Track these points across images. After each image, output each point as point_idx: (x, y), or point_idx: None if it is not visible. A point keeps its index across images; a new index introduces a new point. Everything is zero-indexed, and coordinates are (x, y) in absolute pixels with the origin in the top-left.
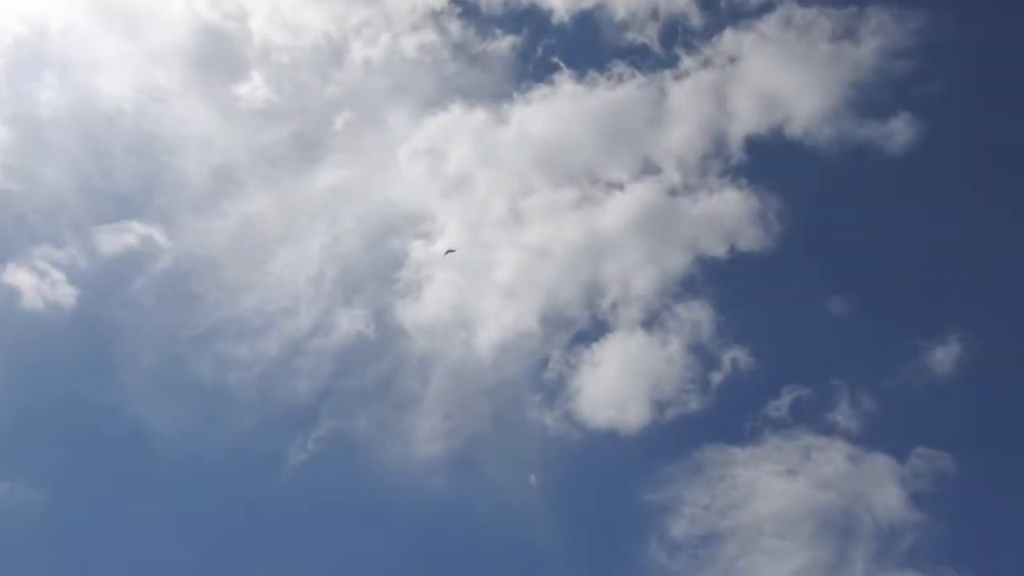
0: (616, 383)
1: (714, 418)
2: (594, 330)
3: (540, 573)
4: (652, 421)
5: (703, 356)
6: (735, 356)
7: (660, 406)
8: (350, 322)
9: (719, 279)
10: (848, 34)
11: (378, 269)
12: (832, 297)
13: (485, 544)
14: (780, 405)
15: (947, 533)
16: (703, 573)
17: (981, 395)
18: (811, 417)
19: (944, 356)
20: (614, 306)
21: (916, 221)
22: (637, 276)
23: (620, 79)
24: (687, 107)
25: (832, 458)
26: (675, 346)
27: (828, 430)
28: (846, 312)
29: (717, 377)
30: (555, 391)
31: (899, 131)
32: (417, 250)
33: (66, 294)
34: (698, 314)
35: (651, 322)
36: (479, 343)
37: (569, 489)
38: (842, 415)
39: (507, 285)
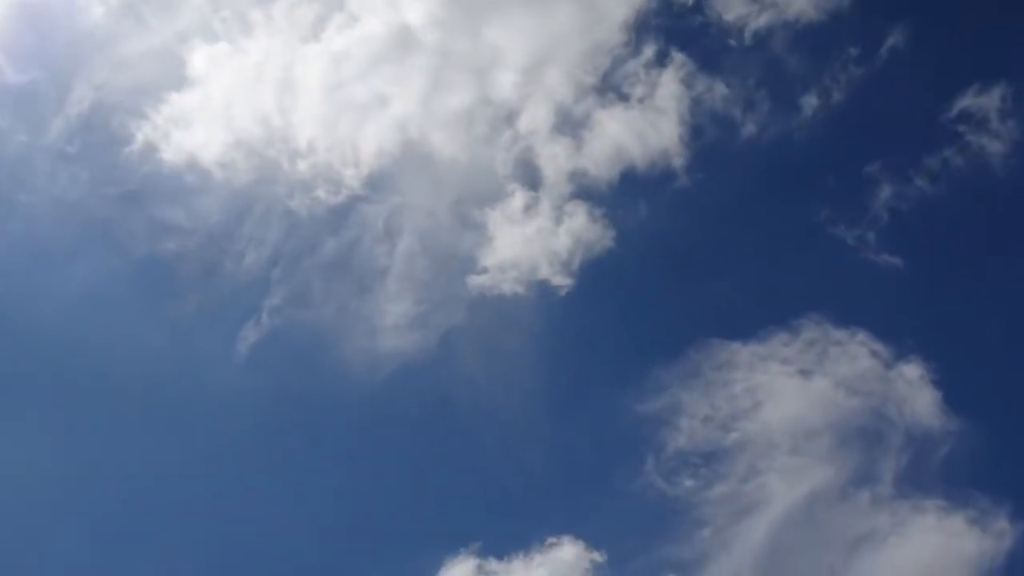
0: None
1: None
2: None
3: (517, 496)
4: None
5: None
6: None
7: None
8: None
9: None
10: None
11: None
12: None
13: (458, 459)
14: None
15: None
16: (706, 497)
17: None
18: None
19: None
20: None
21: None
22: None
23: None
24: None
25: (854, 355)
26: None
27: (848, 321)
28: None
29: None
30: None
31: None
32: None
33: None
34: None
35: None
36: None
37: (550, 395)
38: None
39: None
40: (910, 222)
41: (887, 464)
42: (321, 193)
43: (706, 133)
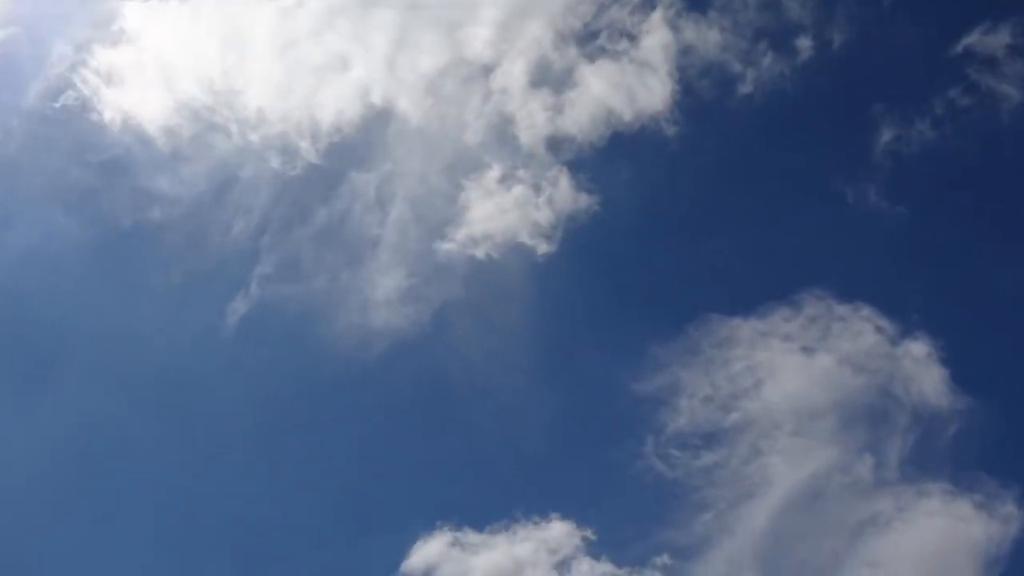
0: None
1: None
2: None
3: (511, 474)
4: None
5: None
6: None
7: None
8: None
9: None
10: None
11: None
12: None
13: (450, 437)
14: None
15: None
16: (707, 480)
17: None
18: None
19: None
20: None
21: None
22: None
23: None
24: None
25: (858, 331)
26: None
27: (851, 294)
28: None
29: None
30: None
31: None
32: None
33: None
34: None
35: None
36: None
37: (546, 375)
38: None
39: None
40: (914, 169)
41: (892, 445)
42: (275, 164)
43: (697, 84)
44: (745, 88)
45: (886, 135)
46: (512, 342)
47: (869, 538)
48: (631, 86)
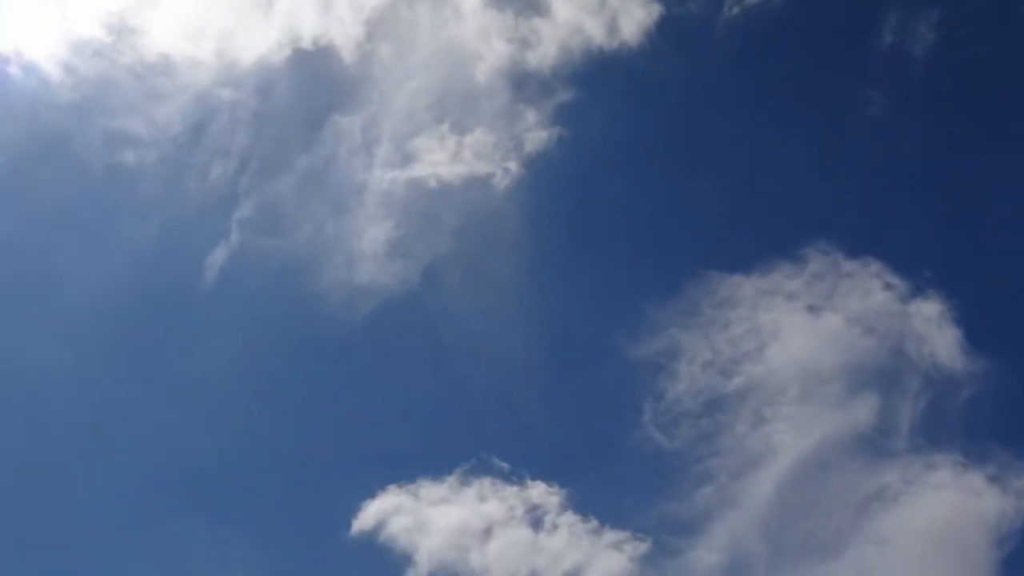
0: None
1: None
2: None
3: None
4: None
5: None
6: None
7: None
8: None
9: None
10: None
11: None
12: None
13: (440, 404)
14: None
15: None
16: (708, 450)
17: None
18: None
19: None
20: None
21: None
22: None
23: None
24: None
25: (866, 289)
26: None
27: (859, 248)
28: None
29: None
30: None
31: None
32: None
33: None
34: None
35: None
36: None
37: (538, 342)
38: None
39: None
40: (919, 85)
41: (902, 411)
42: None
43: (680, 7)
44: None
45: (889, 39)
46: (502, 304)
47: (875, 513)
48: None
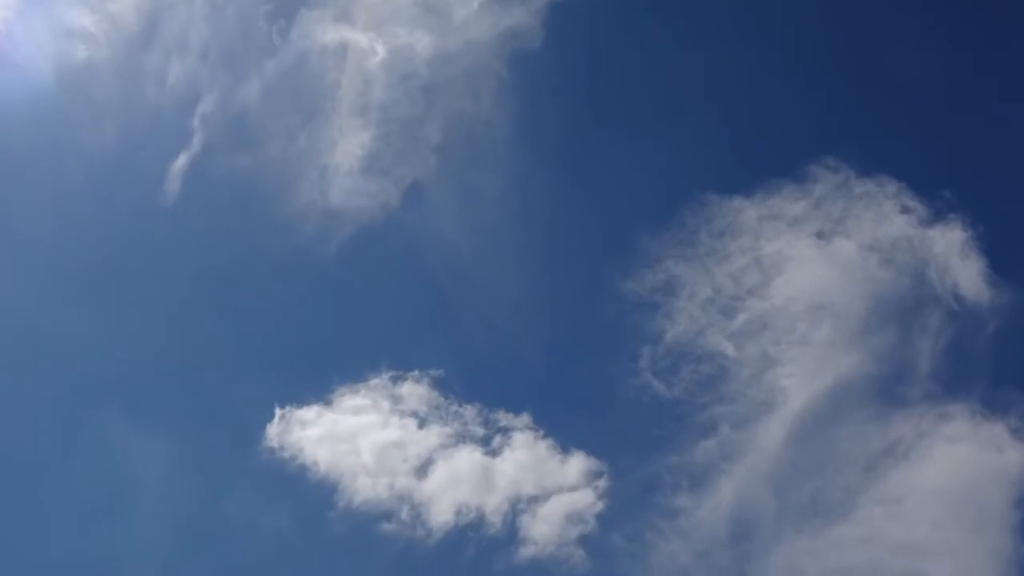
0: None
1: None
2: None
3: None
4: None
5: None
6: None
7: None
8: None
9: None
10: None
11: None
12: None
13: (422, 336)
14: None
15: None
16: (710, 398)
17: None
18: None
19: None
20: None
21: None
22: None
23: None
24: None
25: (883, 211)
26: None
27: (872, 166)
28: None
29: None
30: None
31: None
32: None
33: None
34: None
35: None
36: None
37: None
38: None
39: None
40: None
41: (920, 350)
42: None
43: None
44: None
45: None
46: (488, 230)
47: (886, 470)
48: None
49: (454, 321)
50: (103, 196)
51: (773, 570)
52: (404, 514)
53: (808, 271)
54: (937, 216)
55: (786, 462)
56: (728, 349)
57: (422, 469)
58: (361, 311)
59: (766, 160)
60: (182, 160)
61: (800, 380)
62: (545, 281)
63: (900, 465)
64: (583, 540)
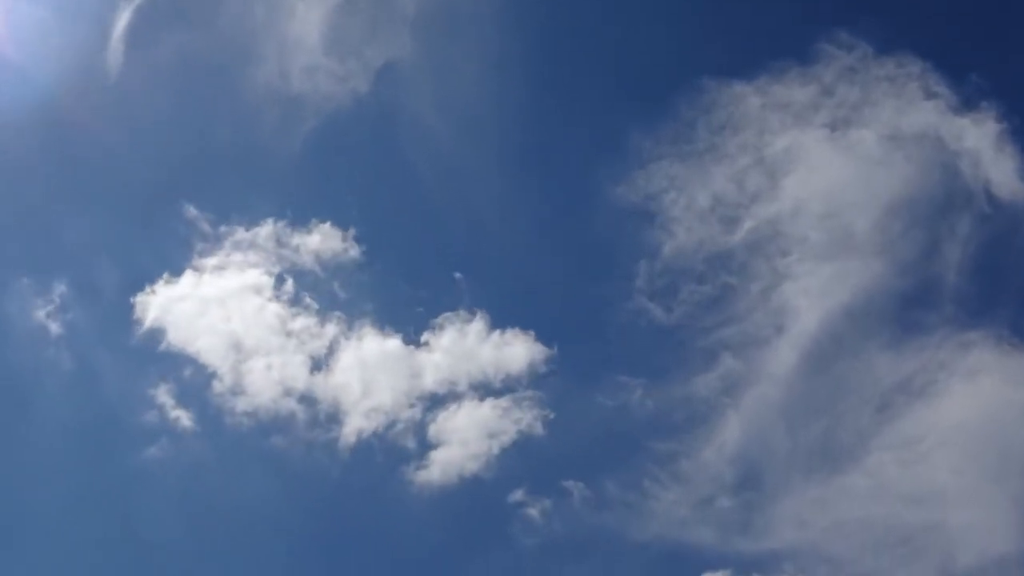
0: None
1: None
2: None
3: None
4: None
5: None
6: None
7: None
8: None
9: None
10: None
11: None
12: None
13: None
14: None
15: None
16: (711, 321)
17: None
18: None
19: None
20: None
21: None
22: None
23: None
24: None
25: (905, 97)
26: None
27: (892, 42)
28: None
29: None
30: None
31: None
32: None
33: None
34: None
35: None
36: None
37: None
38: None
39: None
40: None
41: (946, 263)
42: None
43: None
44: None
45: None
46: (468, 117)
47: (901, 409)
48: None
49: (434, 217)
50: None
51: (779, 522)
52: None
53: (820, 170)
54: (968, 103)
55: (795, 396)
56: (731, 265)
57: None
58: (334, 205)
59: (769, 38)
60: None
61: (812, 300)
62: (529, 185)
63: (916, 403)
64: (577, 480)
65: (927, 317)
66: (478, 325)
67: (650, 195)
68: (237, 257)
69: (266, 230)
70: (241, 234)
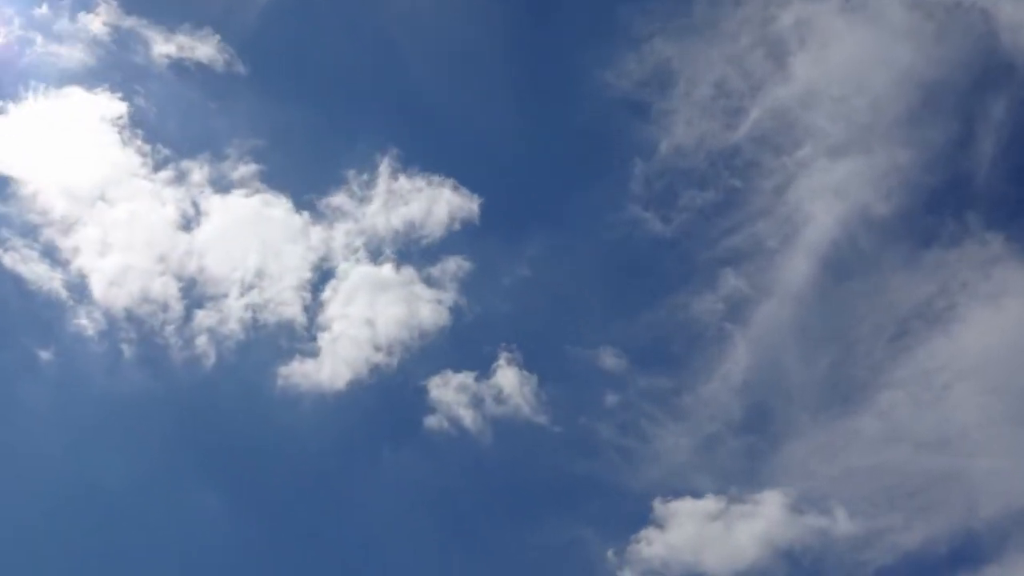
0: None
1: None
2: None
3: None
4: None
5: None
6: None
7: None
8: None
9: None
10: None
11: None
12: None
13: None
14: None
15: None
16: (713, 233)
17: None
18: None
19: None
20: None
21: None
22: None
23: None
24: None
25: None
26: None
27: None
28: None
29: None
30: None
31: None
32: None
33: None
34: None
35: None
36: None
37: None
38: None
39: None
40: None
41: (978, 154)
42: None
43: None
44: None
45: None
46: None
47: (918, 336)
48: None
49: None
50: None
51: (783, 471)
52: None
53: (834, 48)
54: None
55: (805, 318)
56: (735, 164)
57: None
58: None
59: None
60: None
61: (827, 202)
62: (504, 72)
63: (934, 330)
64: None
65: (950, 226)
66: None
67: (643, 81)
68: None
69: None
70: None
